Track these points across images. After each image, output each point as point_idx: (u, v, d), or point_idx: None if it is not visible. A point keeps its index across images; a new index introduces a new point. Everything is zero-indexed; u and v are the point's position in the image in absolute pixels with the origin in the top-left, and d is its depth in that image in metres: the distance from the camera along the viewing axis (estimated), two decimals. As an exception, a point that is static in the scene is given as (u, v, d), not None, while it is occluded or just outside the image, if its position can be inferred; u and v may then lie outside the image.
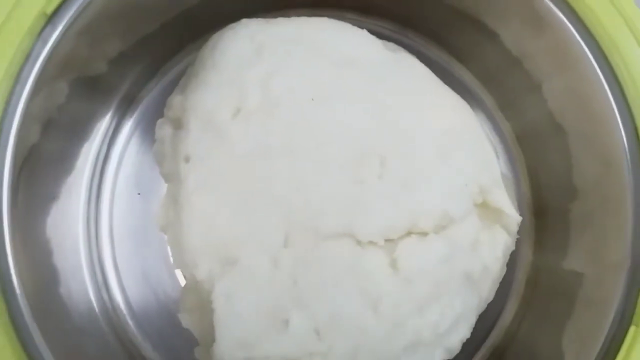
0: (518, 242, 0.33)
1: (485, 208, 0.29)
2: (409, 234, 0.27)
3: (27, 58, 0.25)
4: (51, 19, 0.25)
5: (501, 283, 0.32)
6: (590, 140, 0.29)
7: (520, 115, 0.36)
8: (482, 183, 0.29)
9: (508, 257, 0.31)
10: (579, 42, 0.28)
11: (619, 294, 0.25)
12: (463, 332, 0.28)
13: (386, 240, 0.27)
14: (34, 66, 0.25)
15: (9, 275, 0.24)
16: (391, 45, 0.33)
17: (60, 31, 0.25)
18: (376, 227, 0.27)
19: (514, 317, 0.33)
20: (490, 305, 0.32)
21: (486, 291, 0.29)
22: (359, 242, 0.27)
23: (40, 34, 0.25)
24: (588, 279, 0.28)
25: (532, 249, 0.34)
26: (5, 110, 0.24)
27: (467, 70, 0.37)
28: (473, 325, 0.29)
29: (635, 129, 0.27)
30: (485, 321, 0.32)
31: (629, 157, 0.27)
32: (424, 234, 0.27)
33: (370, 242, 0.27)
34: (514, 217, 0.29)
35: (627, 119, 0.27)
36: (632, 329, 0.23)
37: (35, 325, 0.23)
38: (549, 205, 0.34)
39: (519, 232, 0.32)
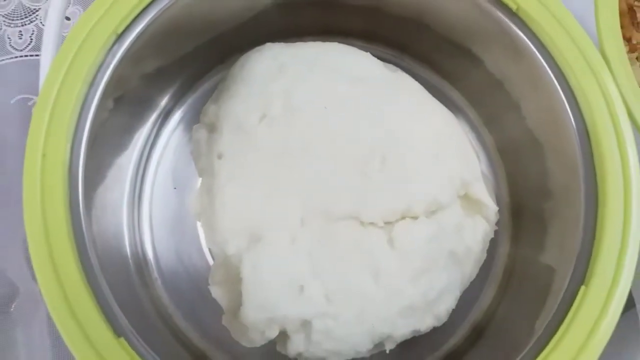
0: (497, 236, 0.38)
1: (467, 200, 0.34)
2: (403, 217, 0.32)
3: (99, 69, 0.30)
4: (119, 37, 0.30)
5: (482, 268, 0.36)
6: (560, 153, 0.33)
7: (502, 130, 0.41)
8: (465, 178, 0.34)
9: (488, 243, 0.35)
10: (546, 69, 0.33)
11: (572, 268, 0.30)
12: (449, 302, 0.33)
13: (385, 222, 0.32)
14: (104, 76, 0.30)
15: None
16: (390, 66, 0.38)
17: (125, 48, 0.31)
18: (377, 211, 0.31)
19: (493, 299, 0.38)
20: (472, 287, 0.36)
21: (469, 269, 0.34)
22: (362, 223, 0.32)
23: (111, 49, 0.30)
24: (558, 272, 0.31)
25: (509, 242, 0.39)
26: (80, 115, 0.29)
27: (455, 90, 0.42)
28: (458, 298, 0.34)
29: (589, 142, 0.31)
30: (468, 301, 0.37)
31: (582, 163, 0.31)
32: (416, 217, 0.32)
33: (372, 224, 0.32)
34: (491, 208, 0.34)
35: (583, 135, 0.31)
36: (582, 288, 0.27)
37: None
38: (525, 206, 0.39)
39: (497, 224, 0.37)
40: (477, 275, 0.36)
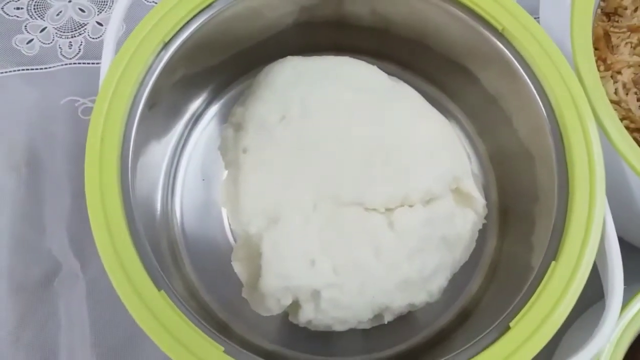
0: (486, 231, 0.42)
1: (458, 194, 0.39)
2: (402, 204, 0.36)
3: (148, 70, 0.35)
4: (166, 45, 0.36)
5: (471, 258, 0.40)
6: (547, 162, 0.37)
7: (494, 139, 0.45)
8: (456, 174, 0.38)
9: (476, 233, 0.40)
10: (529, 83, 0.37)
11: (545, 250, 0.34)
12: (441, 281, 0.37)
13: (386, 209, 0.36)
14: (152, 77, 0.35)
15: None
16: (394, 78, 0.43)
17: (170, 54, 0.36)
18: (379, 199, 0.36)
19: (480, 287, 0.42)
20: (462, 275, 0.40)
21: (459, 253, 0.38)
22: (366, 209, 0.36)
23: (159, 55, 0.36)
24: (536, 268, 0.34)
25: (497, 238, 0.43)
26: (131, 109, 0.34)
27: (452, 103, 0.47)
28: (448, 278, 0.38)
29: (562, 144, 0.36)
30: (458, 287, 0.41)
31: (556, 163, 0.36)
32: (413, 205, 0.36)
33: (374, 209, 0.36)
34: (479, 201, 0.39)
35: (560, 148, 0.36)
36: (552, 263, 0.32)
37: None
38: (512, 207, 0.43)
39: (486, 219, 0.41)
40: (467, 264, 0.40)
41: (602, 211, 0.33)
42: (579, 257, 0.32)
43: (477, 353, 0.30)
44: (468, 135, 0.47)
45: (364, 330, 0.39)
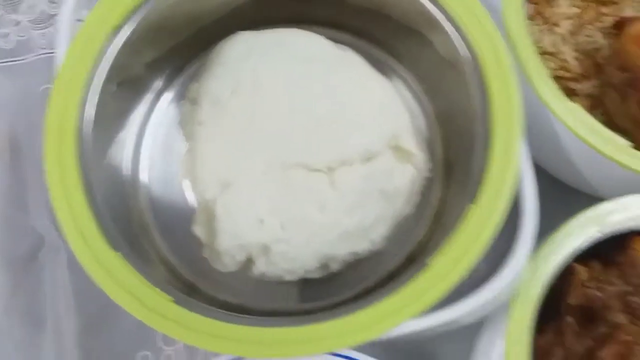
0: (431, 184, 0.44)
1: (398, 151, 0.41)
2: (343, 164, 0.39)
3: (103, 55, 0.39)
4: (118, 30, 0.39)
5: (417, 208, 0.43)
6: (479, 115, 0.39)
7: (445, 100, 0.46)
8: (396, 132, 0.41)
9: (416, 185, 0.43)
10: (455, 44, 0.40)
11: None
12: (381, 230, 0.41)
13: (328, 169, 0.39)
14: (109, 61, 0.39)
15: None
16: (341, 46, 0.45)
17: (123, 41, 0.39)
18: (322, 160, 0.39)
19: (424, 235, 0.44)
20: (409, 225, 0.43)
21: (399, 205, 0.41)
22: (310, 170, 0.39)
23: (113, 41, 0.39)
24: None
25: (441, 190, 0.45)
26: (87, 92, 0.38)
27: (402, 66, 0.48)
28: (390, 228, 0.41)
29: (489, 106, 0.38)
30: (404, 236, 0.43)
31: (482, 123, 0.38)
32: (352, 164, 0.40)
33: (317, 170, 0.39)
34: (419, 156, 0.42)
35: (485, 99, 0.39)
36: (470, 206, 0.35)
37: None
38: (456, 161, 0.45)
39: (431, 173, 0.44)
40: (414, 215, 0.43)
41: (518, 156, 0.36)
42: (494, 199, 0.35)
43: (396, 288, 0.33)
44: (416, 96, 0.48)
45: (319, 280, 0.42)
